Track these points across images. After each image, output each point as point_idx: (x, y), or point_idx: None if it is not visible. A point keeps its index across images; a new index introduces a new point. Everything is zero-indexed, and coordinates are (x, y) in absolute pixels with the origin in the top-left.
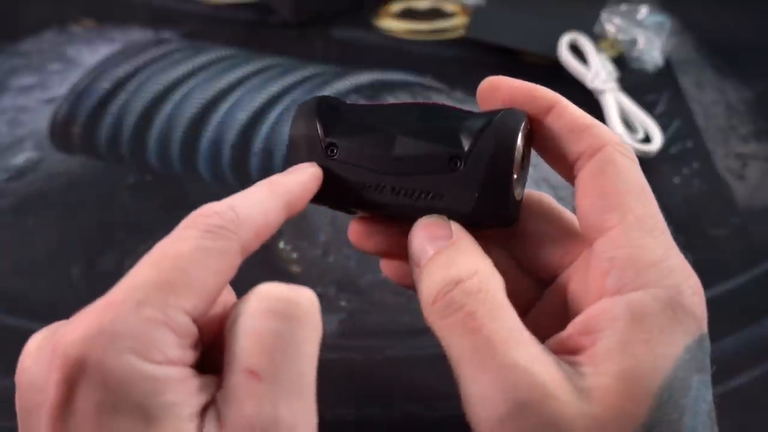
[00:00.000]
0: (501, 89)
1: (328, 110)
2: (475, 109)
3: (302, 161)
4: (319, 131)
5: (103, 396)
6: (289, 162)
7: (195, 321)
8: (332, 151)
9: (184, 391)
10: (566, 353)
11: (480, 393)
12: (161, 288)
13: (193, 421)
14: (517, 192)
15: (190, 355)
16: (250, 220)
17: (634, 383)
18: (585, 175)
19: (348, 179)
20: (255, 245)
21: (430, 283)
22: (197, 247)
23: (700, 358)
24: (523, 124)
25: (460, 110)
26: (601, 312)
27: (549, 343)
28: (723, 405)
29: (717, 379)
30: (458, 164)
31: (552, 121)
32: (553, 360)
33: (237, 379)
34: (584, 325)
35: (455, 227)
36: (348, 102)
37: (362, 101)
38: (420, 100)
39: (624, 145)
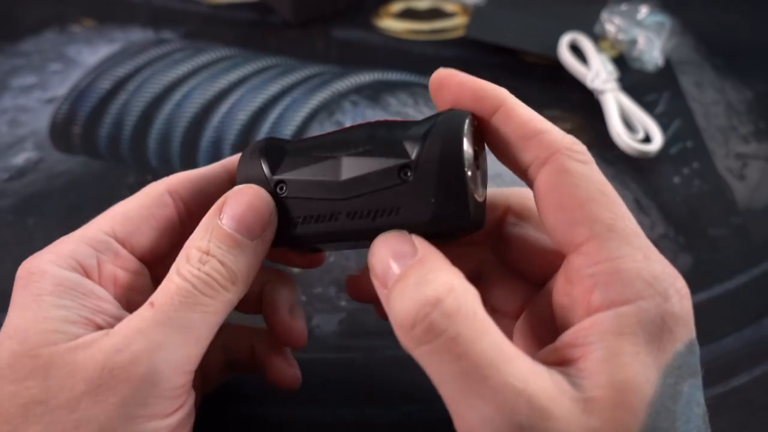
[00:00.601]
0: (448, 87)
1: (273, 150)
2: None
3: None
4: (266, 171)
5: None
6: None
7: (115, 235)
8: (281, 188)
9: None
10: (555, 364)
11: (478, 418)
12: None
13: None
14: (478, 193)
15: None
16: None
17: (628, 394)
18: (541, 187)
19: (301, 215)
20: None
21: (403, 307)
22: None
23: (691, 363)
24: (467, 123)
25: (404, 121)
26: (591, 326)
27: (538, 355)
28: (723, 405)
29: (717, 379)
30: (408, 174)
31: (498, 125)
32: (545, 372)
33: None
34: (573, 338)
35: (418, 241)
36: (295, 140)
37: (362, 101)
38: (381, 119)
39: (576, 148)
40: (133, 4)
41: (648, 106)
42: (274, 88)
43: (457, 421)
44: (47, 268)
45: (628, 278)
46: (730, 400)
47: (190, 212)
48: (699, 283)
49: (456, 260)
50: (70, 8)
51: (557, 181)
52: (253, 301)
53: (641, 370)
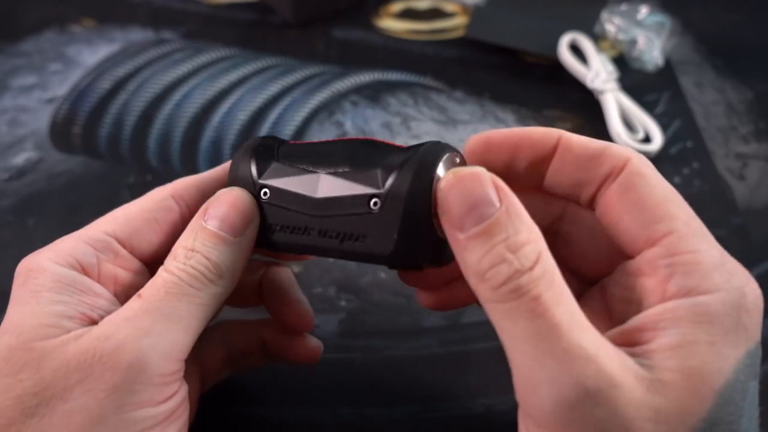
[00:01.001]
0: (492, 145)
1: (264, 152)
2: (476, 110)
3: None
4: (253, 173)
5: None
6: None
7: (115, 235)
8: (265, 193)
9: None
10: (623, 345)
11: (544, 377)
12: (95, 224)
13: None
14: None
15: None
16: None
17: (698, 380)
18: (614, 196)
19: (279, 223)
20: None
21: (490, 262)
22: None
23: (756, 364)
24: (445, 157)
25: (388, 145)
26: (664, 312)
27: (606, 335)
28: None
29: None
30: (376, 204)
31: (563, 156)
32: (614, 347)
33: None
34: (643, 323)
35: (500, 185)
36: (289, 142)
37: (362, 101)
38: (373, 138)
39: (643, 157)
40: (133, 4)
41: (648, 106)
42: (274, 88)
43: (520, 379)
44: (46, 266)
45: (708, 270)
46: None
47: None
48: None
49: None
50: (70, 8)
51: (635, 184)
52: (253, 295)
53: (714, 360)
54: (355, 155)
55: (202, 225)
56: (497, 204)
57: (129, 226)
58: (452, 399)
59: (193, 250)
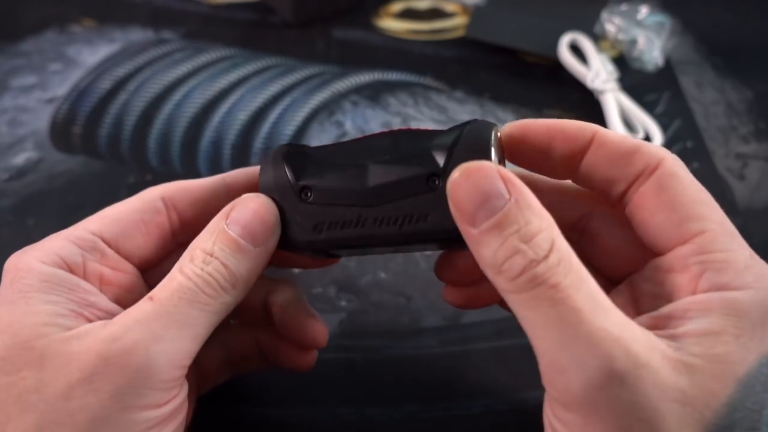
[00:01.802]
0: (529, 134)
1: (295, 155)
2: (476, 110)
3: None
4: (290, 176)
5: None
6: None
7: (101, 236)
8: (306, 194)
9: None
10: (650, 329)
11: (571, 361)
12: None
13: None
14: None
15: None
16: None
17: (722, 367)
18: (647, 194)
19: (327, 220)
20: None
21: (505, 253)
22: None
23: None
24: (493, 133)
25: (428, 131)
26: (694, 302)
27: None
28: None
29: None
30: (437, 182)
31: (596, 151)
32: (639, 328)
33: None
34: (672, 311)
35: (508, 178)
36: (314, 146)
37: (362, 101)
38: (403, 128)
39: (677, 157)
40: (133, 4)
41: (648, 106)
42: (274, 88)
43: (546, 365)
44: (33, 265)
45: (739, 269)
46: None
47: (183, 221)
48: None
49: None
50: (70, 8)
51: (668, 184)
52: (256, 312)
53: (738, 351)
54: (399, 142)
55: (224, 228)
56: (506, 196)
57: (116, 227)
58: (452, 399)
59: (212, 255)
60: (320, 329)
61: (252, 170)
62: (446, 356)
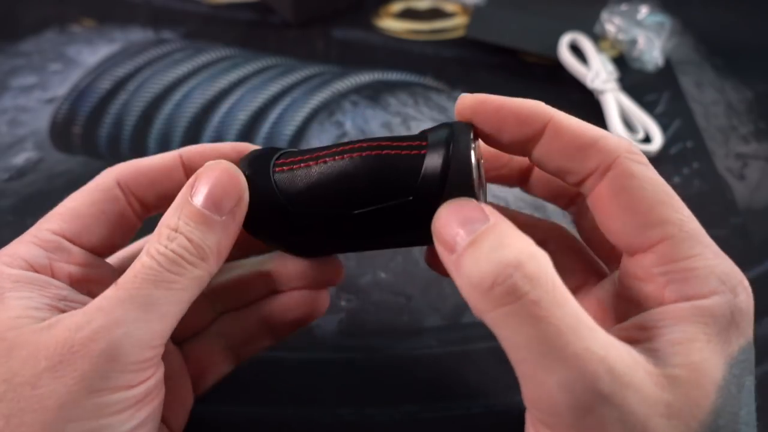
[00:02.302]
0: (483, 113)
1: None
2: None
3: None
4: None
5: None
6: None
7: (64, 234)
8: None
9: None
10: (628, 342)
11: (556, 383)
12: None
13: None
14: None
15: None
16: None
17: (701, 375)
18: (604, 195)
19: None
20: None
21: (479, 269)
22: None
23: (751, 359)
24: (472, 144)
25: (399, 143)
26: (665, 313)
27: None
28: None
29: None
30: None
31: (549, 141)
32: (621, 344)
33: None
34: (644, 322)
35: (488, 208)
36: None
37: (362, 101)
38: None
39: (635, 151)
40: (133, 4)
41: (648, 106)
42: (274, 88)
43: (530, 387)
44: (3, 270)
45: (703, 275)
46: None
47: (144, 204)
48: None
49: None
50: (70, 8)
51: (625, 185)
52: (251, 291)
53: (711, 356)
54: (375, 173)
55: (188, 201)
56: (486, 220)
57: (76, 223)
58: (452, 399)
59: (176, 230)
60: (327, 259)
61: (209, 148)
62: (446, 356)
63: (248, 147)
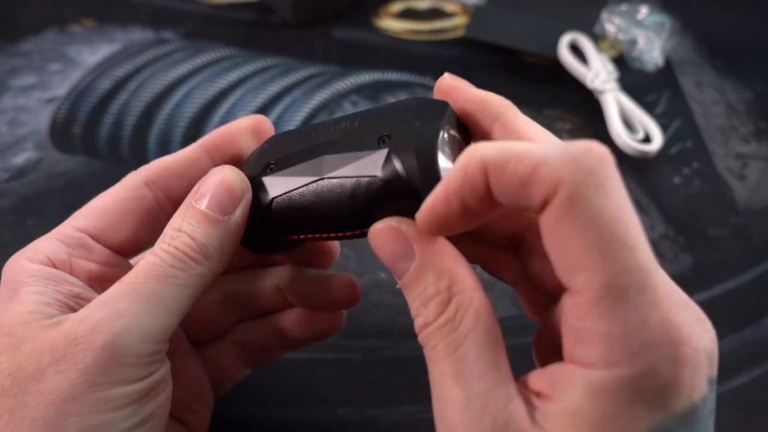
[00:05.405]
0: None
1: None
2: None
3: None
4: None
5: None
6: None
7: (88, 231)
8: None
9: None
10: (531, 394)
11: (438, 420)
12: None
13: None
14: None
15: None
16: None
17: None
18: (543, 227)
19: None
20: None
21: (413, 311)
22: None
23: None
24: (440, 133)
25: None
26: (564, 375)
27: (523, 379)
28: (723, 405)
29: (717, 379)
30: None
31: (495, 183)
32: (502, 398)
33: None
34: (547, 378)
35: (414, 238)
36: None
37: (362, 101)
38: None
39: (585, 169)
40: (133, 4)
41: (648, 106)
42: (274, 88)
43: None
44: (23, 264)
45: (611, 343)
46: (730, 400)
47: (173, 199)
48: (699, 283)
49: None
50: (70, 8)
51: (561, 219)
52: (268, 303)
53: None
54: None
55: (192, 204)
56: (412, 256)
57: (102, 221)
58: None
59: (179, 230)
60: (344, 283)
61: (226, 128)
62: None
63: (264, 120)
